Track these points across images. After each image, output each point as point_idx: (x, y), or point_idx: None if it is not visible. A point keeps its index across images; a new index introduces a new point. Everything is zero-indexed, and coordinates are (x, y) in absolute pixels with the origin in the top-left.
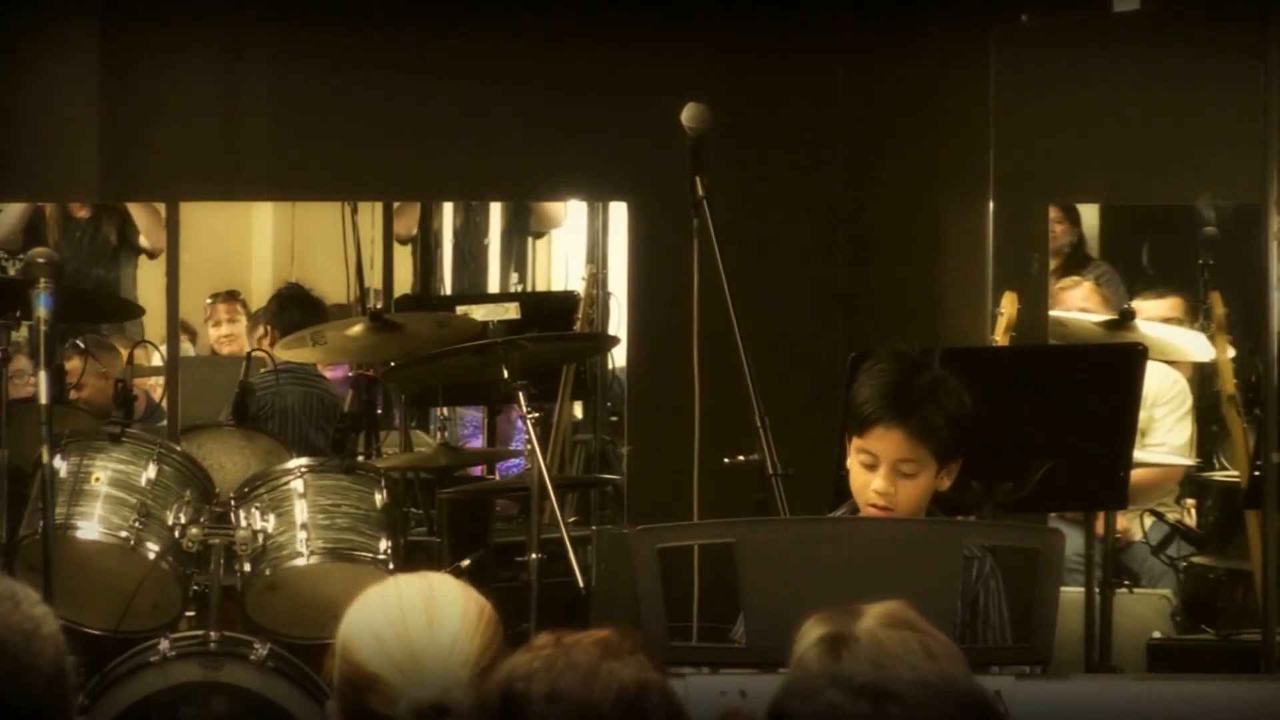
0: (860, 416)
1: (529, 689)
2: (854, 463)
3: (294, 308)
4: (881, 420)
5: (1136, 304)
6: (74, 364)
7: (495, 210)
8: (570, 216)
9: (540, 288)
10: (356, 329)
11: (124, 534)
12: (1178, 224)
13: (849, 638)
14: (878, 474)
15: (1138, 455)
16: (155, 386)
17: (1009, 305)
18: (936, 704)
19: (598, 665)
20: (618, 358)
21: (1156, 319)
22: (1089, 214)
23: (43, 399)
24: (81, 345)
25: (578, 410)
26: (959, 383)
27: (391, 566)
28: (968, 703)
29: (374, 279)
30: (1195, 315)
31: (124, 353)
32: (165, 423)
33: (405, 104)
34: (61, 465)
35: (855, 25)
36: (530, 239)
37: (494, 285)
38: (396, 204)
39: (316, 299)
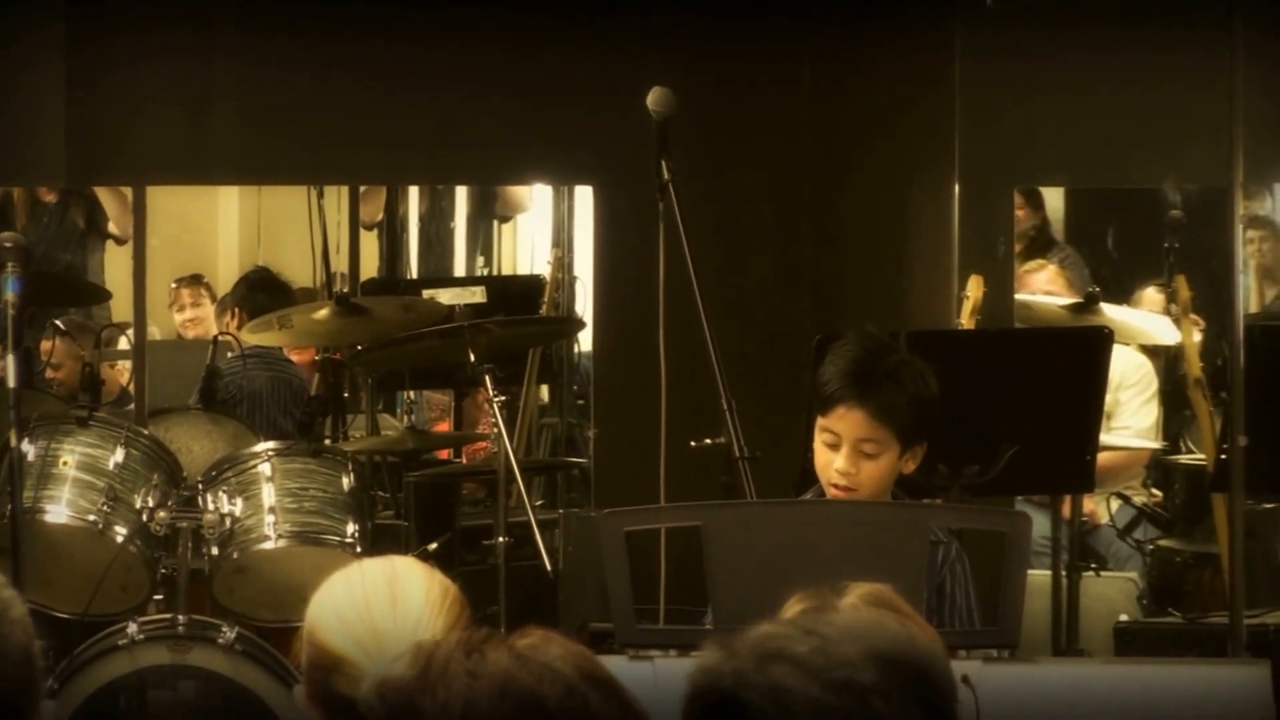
0: (824, 395)
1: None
2: (818, 442)
3: (262, 291)
4: (844, 399)
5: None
6: (46, 345)
7: (461, 194)
8: (536, 200)
9: (506, 271)
10: (323, 313)
11: (92, 517)
12: (1143, 207)
13: (828, 612)
14: (840, 453)
15: (1103, 438)
16: (122, 371)
17: (974, 288)
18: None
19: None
20: (584, 341)
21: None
22: (1054, 198)
23: (10, 383)
24: (62, 327)
25: (544, 394)
26: (926, 366)
27: (359, 550)
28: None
29: (340, 263)
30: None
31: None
32: (133, 406)
33: (371, 88)
34: (29, 449)
35: (822, 9)
36: (496, 223)
37: (460, 269)
38: (362, 189)
39: (285, 283)
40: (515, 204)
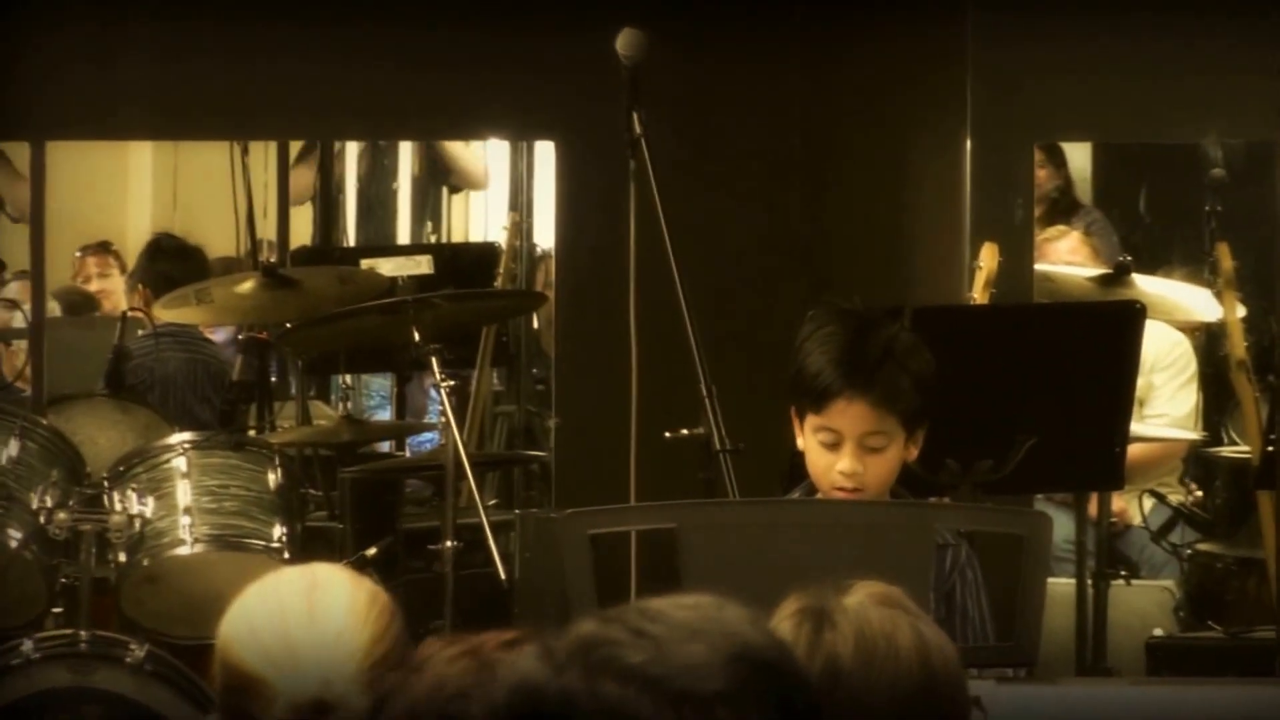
0: (816, 390)
1: (468, 711)
2: (811, 443)
3: (166, 260)
4: (842, 392)
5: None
6: None
7: (405, 151)
8: (491, 159)
9: (456, 239)
10: (247, 286)
11: None
12: (1180, 165)
13: (832, 612)
14: (842, 453)
15: (1135, 428)
16: (17, 351)
17: (988, 258)
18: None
19: None
20: (544, 318)
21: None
22: (1079, 155)
23: None
24: None
25: (498, 378)
26: (915, 338)
27: (286, 555)
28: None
29: (267, 229)
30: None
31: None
32: (29, 393)
33: (302, 31)
34: None
35: None
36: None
37: (404, 236)
38: (292, 159)
39: (194, 249)
40: (470, 177)
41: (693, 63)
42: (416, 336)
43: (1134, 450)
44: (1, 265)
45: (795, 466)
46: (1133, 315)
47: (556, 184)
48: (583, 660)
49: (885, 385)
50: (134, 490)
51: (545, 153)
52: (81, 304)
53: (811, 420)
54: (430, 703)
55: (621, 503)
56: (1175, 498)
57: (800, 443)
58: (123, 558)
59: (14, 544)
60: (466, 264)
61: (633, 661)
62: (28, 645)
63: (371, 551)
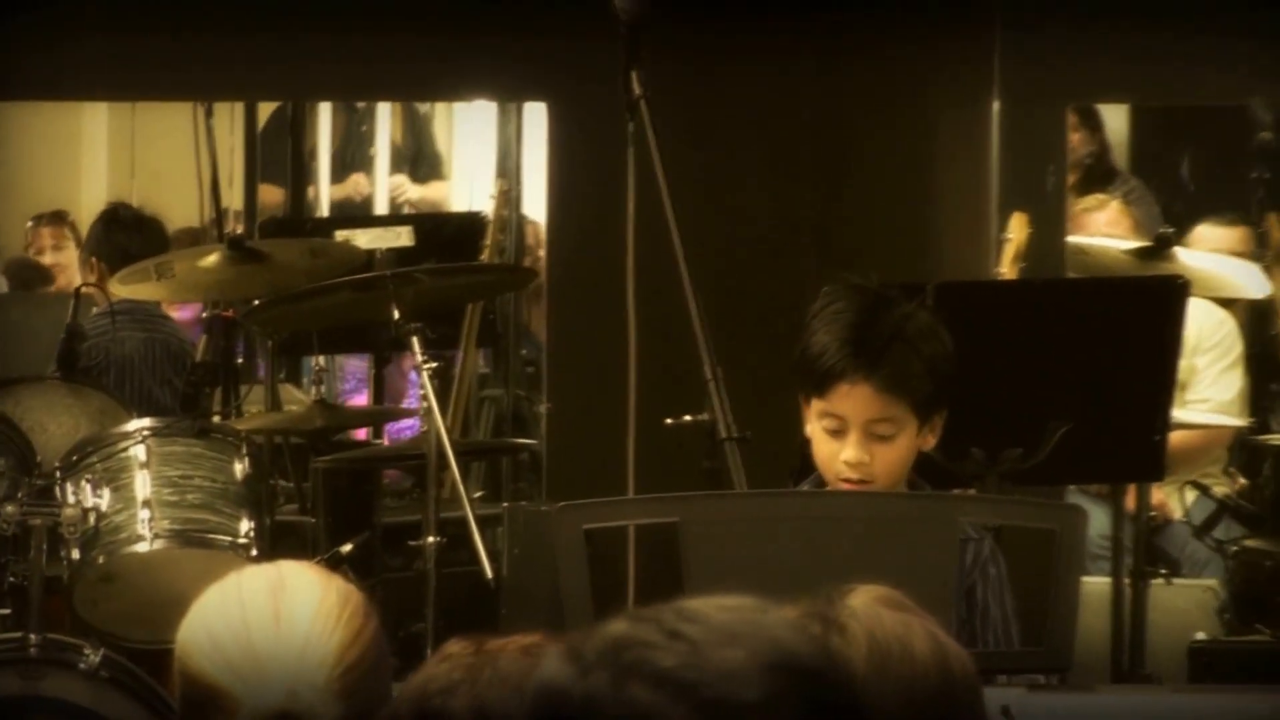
0: (820, 371)
1: (448, 705)
2: (816, 429)
3: (123, 232)
4: (845, 374)
5: (1198, 231)
6: None
7: (384, 113)
8: (478, 118)
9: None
10: (211, 259)
11: None
12: (1226, 129)
13: (840, 616)
14: (847, 440)
15: (1176, 414)
16: None
17: (1018, 229)
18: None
19: (529, 676)
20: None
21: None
22: (1115, 118)
23: None
24: None
25: (484, 360)
26: (933, 317)
27: (254, 552)
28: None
29: (233, 198)
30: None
31: None
32: None
33: None
34: None
35: None
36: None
37: (382, 206)
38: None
39: (151, 220)
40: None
41: (703, 24)
42: (396, 314)
43: (1175, 438)
44: None
45: (807, 456)
46: (1174, 292)
47: (548, 149)
48: (611, 662)
49: (893, 368)
50: (88, 481)
51: (536, 115)
52: (32, 278)
53: (816, 405)
54: (416, 698)
55: (619, 495)
56: (1220, 490)
57: (808, 429)
58: (76, 555)
59: None
60: (450, 236)
61: (664, 665)
62: None
63: (347, 548)
